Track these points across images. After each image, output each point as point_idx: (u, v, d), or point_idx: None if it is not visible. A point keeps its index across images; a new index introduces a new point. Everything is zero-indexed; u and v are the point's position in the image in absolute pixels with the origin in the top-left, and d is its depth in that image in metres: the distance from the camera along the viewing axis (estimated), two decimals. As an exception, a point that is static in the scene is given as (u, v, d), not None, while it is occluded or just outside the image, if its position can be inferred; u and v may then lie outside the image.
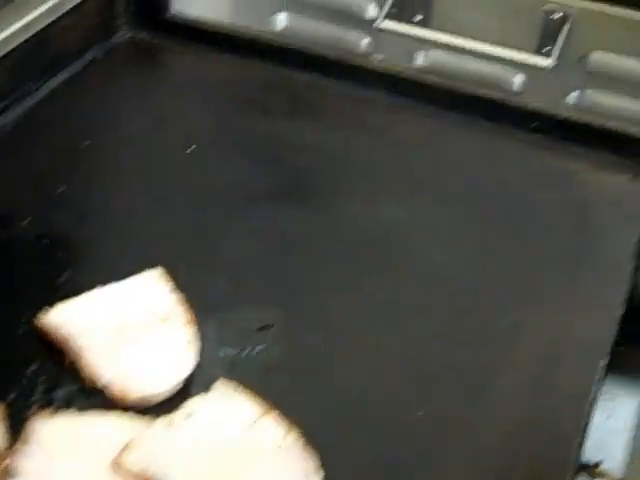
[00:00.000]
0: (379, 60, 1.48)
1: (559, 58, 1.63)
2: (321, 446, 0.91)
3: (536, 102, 1.39)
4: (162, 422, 0.92)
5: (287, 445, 0.91)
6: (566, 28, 1.64)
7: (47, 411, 0.93)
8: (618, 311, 1.09)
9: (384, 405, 0.98)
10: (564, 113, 1.34)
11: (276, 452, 0.90)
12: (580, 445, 0.95)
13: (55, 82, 1.39)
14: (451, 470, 0.92)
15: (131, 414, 0.93)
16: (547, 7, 1.70)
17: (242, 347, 1.03)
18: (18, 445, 0.89)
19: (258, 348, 1.03)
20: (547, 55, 1.65)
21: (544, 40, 1.70)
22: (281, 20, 1.86)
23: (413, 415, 0.97)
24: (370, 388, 1.00)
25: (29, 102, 1.35)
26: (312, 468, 0.89)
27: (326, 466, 0.90)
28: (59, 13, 1.40)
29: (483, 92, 1.37)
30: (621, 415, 1.26)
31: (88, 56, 1.45)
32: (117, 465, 0.88)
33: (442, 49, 1.75)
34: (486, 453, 0.94)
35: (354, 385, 1.00)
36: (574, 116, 1.33)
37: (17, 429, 0.91)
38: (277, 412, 0.93)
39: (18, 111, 1.33)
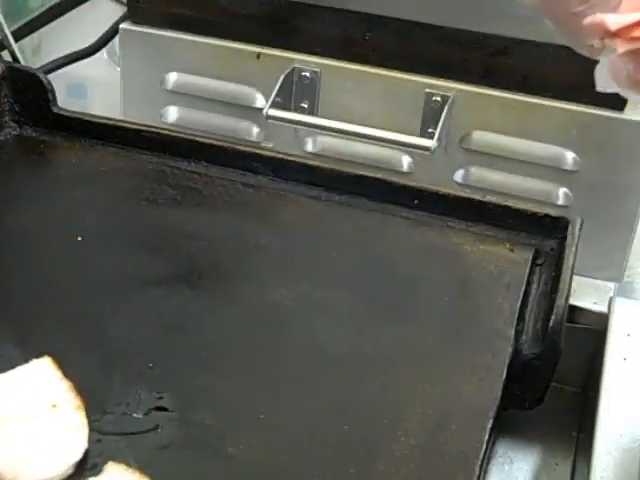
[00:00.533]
0: (269, 147, 1.50)
1: (441, 139, 1.69)
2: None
3: (424, 181, 1.43)
4: (51, 509, 0.91)
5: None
6: (446, 110, 1.70)
7: None
8: (501, 375, 1.11)
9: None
10: (449, 190, 1.38)
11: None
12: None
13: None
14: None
15: (20, 503, 0.92)
16: (427, 90, 1.77)
17: (132, 429, 1.03)
18: None
19: (148, 429, 1.03)
20: (430, 137, 1.71)
21: (427, 122, 1.77)
22: (171, 113, 1.90)
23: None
24: (262, 463, 1.00)
25: None
26: None
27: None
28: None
29: (366, 173, 1.40)
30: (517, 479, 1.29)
31: (-24, 153, 1.45)
32: None
33: (330, 135, 1.81)
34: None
35: (247, 461, 1.00)
36: (453, 192, 1.37)
37: None
38: (168, 491, 0.93)
39: None
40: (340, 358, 1.14)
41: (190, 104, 1.96)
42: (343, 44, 1.73)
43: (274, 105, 1.82)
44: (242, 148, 1.46)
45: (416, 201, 1.39)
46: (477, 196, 1.37)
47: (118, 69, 1.88)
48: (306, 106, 1.89)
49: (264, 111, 1.82)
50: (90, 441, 1.00)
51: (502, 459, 1.29)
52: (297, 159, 1.45)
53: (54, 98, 1.51)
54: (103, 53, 1.97)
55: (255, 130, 1.90)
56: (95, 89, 2.17)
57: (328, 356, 1.15)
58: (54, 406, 1.02)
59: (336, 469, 1.00)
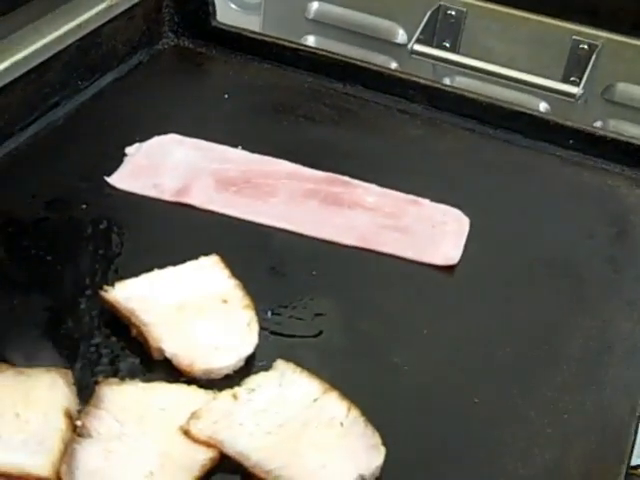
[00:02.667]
0: (425, 76, 1.50)
1: (585, 87, 1.67)
2: (379, 426, 0.92)
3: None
4: (227, 394, 0.93)
5: (349, 422, 0.92)
6: (593, 58, 1.67)
7: (114, 380, 0.94)
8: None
9: (438, 390, 1.00)
10: (606, 132, 1.37)
11: (338, 428, 0.92)
12: (633, 442, 0.96)
13: (103, 82, 1.42)
14: (502, 455, 0.94)
15: (194, 387, 0.94)
16: (575, 37, 1.74)
17: (298, 332, 1.04)
18: (88, 408, 0.90)
19: (314, 334, 1.04)
20: (575, 84, 1.69)
21: (570, 70, 1.75)
22: (310, 42, 1.90)
23: (469, 401, 0.98)
24: (426, 374, 1.01)
25: (78, 99, 1.37)
26: (375, 444, 0.91)
27: (386, 445, 0.90)
28: (109, 17, 1.43)
29: (524, 109, 1.39)
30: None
31: (134, 60, 1.48)
32: (185, 432, 0.89)
33: (469, 76, 1.80)
34: (537, 440, 0.95)
35: (411, 371, 1.01)
36: (610, 134, 1.36)
37: (84, 396, 0.91)
38: (337, 392, 0.94)
39: (68, 107, 1.35)
40: (503, 284, 1.14)
41: (329, 34, 1.96)
42: (490, -16, 1.71)
43: (417, 41, 1.82)
44: (399, 75, 1.46)
45: (571, 141, 1.38)
46: (637, 141, 1.34)
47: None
48: (448, 45, 1.88)
49: (409, 46, 1.82)
50: (264, 338, 1.01)
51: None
52: (454, 90, 1.44)
53: (214, 11, 1.51)
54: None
55: (393, 65, 1.90)
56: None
57: (491, 283, 1.14)
58: (225, 301, 1.04)
59: (499, 389, 1.01)
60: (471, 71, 1.78)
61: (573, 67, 1.76)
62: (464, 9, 1.81)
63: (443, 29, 1.85)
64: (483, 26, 1.83)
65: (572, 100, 1.68)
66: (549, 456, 0.94)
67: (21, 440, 0.86)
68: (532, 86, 1.71)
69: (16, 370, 0.93)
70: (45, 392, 0.90)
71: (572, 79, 1.74)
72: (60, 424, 0.88)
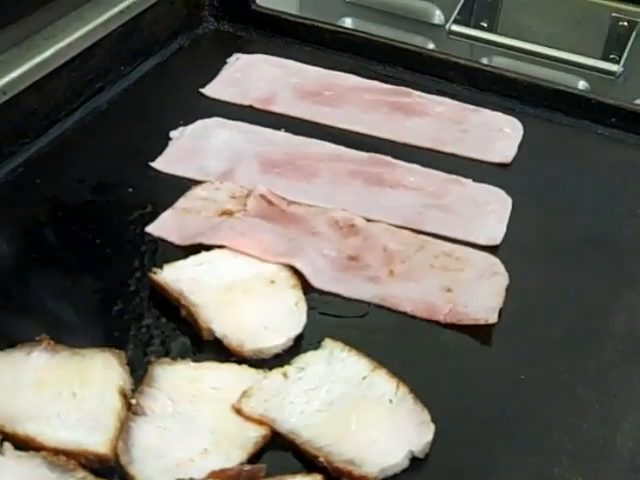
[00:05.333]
0: (464, 56, 1.51)
1: (625, 65, 1.67)
2: (428, 404, 0.93)
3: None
4: (277, 373, 0.95)
5: (399, 399, 0.94)
6: (634, 35, 1.67)
7: (166, 360, 0.95)
8: None
9: (485, 367, 1.01)
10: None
11: (388, 405, 0.93)
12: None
13: (146, 67, 1.44)
14: (551, 431, 0.95)
15: (245, 366, 0.96)
16: (614, 15, 1.74)
17: (344, 313, 1.05)
18: (142, 388, 0.91)
19: (359, 315, 1.05)
20: (615, 61, 1.69)
21: (610, 48, 1.74)
22: (347, 24, 1.91)
23: (516, 378, 0.99)
24: (469, 351, 1.02)
25: (122, 84, 1.39)
26: (424, 421, 0.92)
27: (435, 421, 0.91)
28: (150, 2, 1.44)
29: (564, 87, 1.40)
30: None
31: (175, 44, 1.50)
32: (237, 411, 0.91)
33: (507, 55, 1.80)
34: (585, 416, 0.96)
35: (454, 347, 1.02)
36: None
37: (137, 375, 0.93)
38: (386, 369, 0.95)
39: (112, 92, 1.37)
40: (547, 262, 1.15)
41: (366, 16, 1.97)
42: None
43: (454, 22, 1.82)
44: (439, 55, 1.46)
45: (613, 119, 1.37)
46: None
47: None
48: (486, 25, 1.88)
49: (447, 26, 1.83)
50: (313, 319, 1.03)
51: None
52: (494, 69, 1.45)
53: (250, -4, 1.53)
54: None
55: (430, 46, 1.90)
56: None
57: (535, 261, 1.15)
58: (272, 282, 1.05)
59: (546, 366, 1.02)
60: (509, 50, 1.78)
61: (613, 44, 1.76)
62: (501, -12, 1.80)
63: (480, 9, 1.85)
64: (520, 5, 1.82)
65: (612, 78, 1.67)
66: (597, 432, 0.94)
67: (78, 418, 0.88)
68: (572, 64, 1.71)
69: (71, 351, 0.94)
70: (100, 372, 0.92)
71: (612, 57, 1.74)
72: (115, 403, 0.90)
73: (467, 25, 1.80)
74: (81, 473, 0.84)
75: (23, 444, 0.86)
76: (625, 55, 1.68)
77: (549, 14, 1.80)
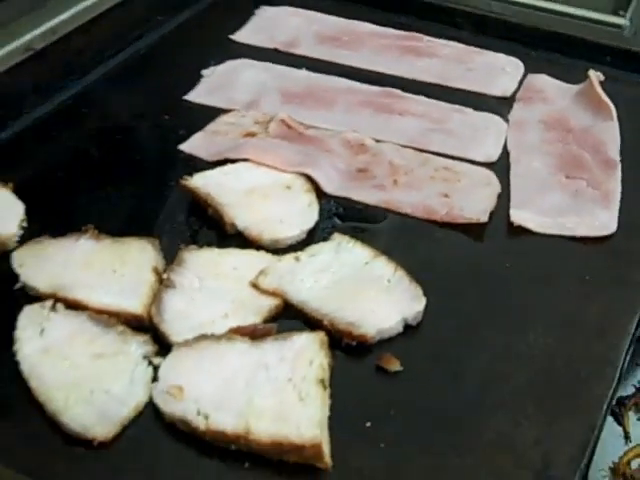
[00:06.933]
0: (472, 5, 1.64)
1: (633, 20, 1.78)
2: (422, 284, 1.07)
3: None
4: (290, 257, 1.09)
5: (395, 280, 1.08)
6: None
7: (193, 246, 1.10)
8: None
9: (480, 260, 1.16)
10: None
11: (386, 284, 1.07)
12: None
13: (181, 18, 1.59)
14: (529, 308, 1.10)
15: (262, 252, 1.11)
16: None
17: (352, 214, 1.20)
18: (172, 267, 1.07)
19: (364, 215, 1.20)
20: (622, 16, 1.80)
21: (618, 3, 1.86)
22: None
23: (502, 266, 1.13)
24: (463, 244, 1.17)
25: (159, 32, 1.55)
26: (417, 295, 1.06)
27: (428, 297, 1.06)
28: (186, -40, 1.60)
29: (566, 31, 1.54)
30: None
31: (210, -1, 1.65)
32: (254, 285, 1.06)
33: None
34: (561, 298, 1.10)
35: (446, 242, 1.17)
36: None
37: (169, 262, 1.08)
38: (385, 257, 1.10)
39: (150, 39, 1.53)
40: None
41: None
42: None
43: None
44: (448, 4, 1.60)
45: (608, 57, 1.50)
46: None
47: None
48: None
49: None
50: (325, 218, 1.18)
51: None
52: (498, 16, 1.58)
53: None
54: None
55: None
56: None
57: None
58: (288, 187, 1.20)
59: (529, 258, 1.15)
60: (521, 8, 1.90)
61: (621, 1, 1.87)
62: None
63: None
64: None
65: (620, 31, 1.79)
66: (568, 307, 1.08)
67: (118, 288, 1.03)
68: (579, 19, 1.82)
69: (112, 239, 1.10)
70: (136, 254, 1.07)
71: (620, 13, 1.85)
72: (150, 277, 1.05)
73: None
74: (120, 327, 0.98)
75: (72, 306, 1.01)
76: (631, 9, 1.79)
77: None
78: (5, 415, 0.94)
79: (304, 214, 1.17)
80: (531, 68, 1.50)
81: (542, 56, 1.54)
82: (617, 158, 1.31)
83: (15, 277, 1.07)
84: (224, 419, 0.91)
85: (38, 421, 0.93)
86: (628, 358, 1.05)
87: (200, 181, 1.19)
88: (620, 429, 1.20)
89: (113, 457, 0.91)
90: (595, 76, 1.41)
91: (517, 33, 1.56)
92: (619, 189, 1.25)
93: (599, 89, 1.39)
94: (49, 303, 1.02)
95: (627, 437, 1.19)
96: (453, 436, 0.94)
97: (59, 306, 1.01)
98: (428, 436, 0.94)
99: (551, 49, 1.55)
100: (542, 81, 1.47)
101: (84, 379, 0.94)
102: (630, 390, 1.23)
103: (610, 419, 1.19)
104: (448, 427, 0.95)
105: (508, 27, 1.56)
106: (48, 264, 1.06)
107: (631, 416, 1.21)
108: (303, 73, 1.45)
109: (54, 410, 0.92)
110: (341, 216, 1.20)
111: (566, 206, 1.23)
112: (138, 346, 0.98)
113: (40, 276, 1.05)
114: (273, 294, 1.05)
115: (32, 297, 1.05)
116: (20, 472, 0.87)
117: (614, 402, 1.16)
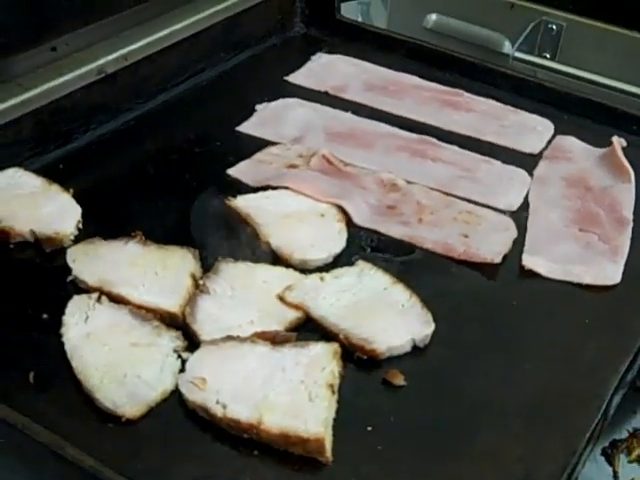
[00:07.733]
0: (513, 67, 1.75)
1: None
2: (433, 311, 1.18)
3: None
4: (316, 276, 1.21)
5: (409, 305, 1.18)
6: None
7: (229, 259, 1.22)
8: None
9: (485, 295, 1.26)
10: None
11: (400, 308, 1.18)
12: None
13: (242, 57, 1.73)
14: (530, 340, 1.19)
15: (291, 269, 1.22)
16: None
17: (377, 245, 1.31)
18: (208, 275, 1.19)
19: (389, 247, 1.31)
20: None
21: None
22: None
23: (509, 303, 1.23)
24: (477, 278, 1.27)
25: (221, 68, 1.68)
26: (427, 320, 1.17)
27: (437, 323, 1.16)
28: (250, 4, 1.74)
29: (598, 99, 1.65)
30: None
31: (269, 42, 1.79)
32: (280, 298, 1.17)
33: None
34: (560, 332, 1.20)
35: (460, 278, 1.28)
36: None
37: (206, 270, 1.20)
38: (402, 284, 1.21)
39: (211, 73, 1.67)
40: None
41: (443, 42, 2.23)
42: (592, 1, 1.95)
43: (519, 50, 2.08)
44: (489, 65, 1.72)
45: (634, 127, 1.61)
46: None
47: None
48: (548, 56, 2.12)
49: (511, 52, 2.08)
50: (352, 246, 1.29)
51: None
52: (534, 79, 1.70)
53: (339, 7, 1.81)
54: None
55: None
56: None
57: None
58: (322, 215, 1.32)
59: (537, 297, 1.25)
60: (567, 77, 2.01)
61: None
62: (564, 23, 2.03)
63: (543, 41, 2.09)
64: (581, 39, 2.05)
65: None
66: (565, 339, 1.18)
67: (158, 289, 1.15)
68: (625, 93, 1.93)
69: (158, 245, 1.22)
70: (178, 260, 1.19)
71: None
72: (187, 281, 1.16)
73: (531, 53, 2.04)
74: (156, 322, 1.10)
75: (115, 300, 1.13)
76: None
77: (606, 48, 2.02)
78: (48, 388, 1.06)
79: (333, 240, 1.28)
80: (561, 130, 1.60)
81: (573, 120, 1.63)
82: (630, 217, 1.39)
83: (68, 270, 1.19)
84: (240, 410, 1.01)
85: (75, 396, 1.05)
86: (617, 398, 1.14)
87: (242, 202, 1.31)
88: (610, 469, 1.29)
89: (137, 433, 1.02)
90: (618, 142, 1.50)
91: (551, 97, 1.65)
92: (628, 245, 1.34)
93: (620, 154, 1.48)
94: (95, 295, 1.14)
95: (616, 477, 1.28)
96: (445, 445, 1.04)
97: (104, 299, 1.13)
98: (423, 443, 1.04)
99: (582, 114, 1.63)
100: (569, 142, 1.56)
101: (119, 363, 1.06)
102: (624, 434, 1.31)
103: (601, 459, 1.28)
104: (441, 437, 1.05)
105: (543, 91, 1.65)
106: (98, 262, 1.19)
107: (622, 458, 1.29)
108: (348, 115, 1.57)
109: (90, 387, 1.04)
110: (367, 246, 1.30)
111: (576, 256, 1.31)
112: (170, 340, 1.09)
113: (90, 271, 1.17)
114: (297, 307, 1.16)
115: (81, 289, 1.18)
116: (57, 435, 0.98)
117: (607, 444, 1.28)
